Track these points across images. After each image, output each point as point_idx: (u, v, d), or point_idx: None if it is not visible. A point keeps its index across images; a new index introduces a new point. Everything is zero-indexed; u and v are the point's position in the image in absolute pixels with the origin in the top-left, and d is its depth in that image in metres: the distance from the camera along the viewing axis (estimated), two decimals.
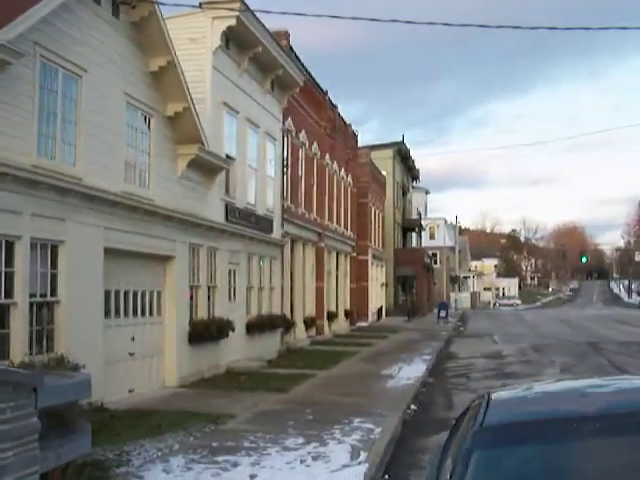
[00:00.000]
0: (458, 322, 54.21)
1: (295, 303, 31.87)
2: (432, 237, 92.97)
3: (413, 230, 74.32)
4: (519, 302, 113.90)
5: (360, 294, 47.53)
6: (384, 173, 56.04)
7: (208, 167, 20.58)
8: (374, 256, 51.36)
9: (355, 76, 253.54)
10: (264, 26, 23.54)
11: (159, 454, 10.84)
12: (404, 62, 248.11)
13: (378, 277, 54.35)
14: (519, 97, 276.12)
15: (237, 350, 22.88)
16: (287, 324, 28.80)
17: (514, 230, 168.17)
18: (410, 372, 22.15)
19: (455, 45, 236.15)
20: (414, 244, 76.64)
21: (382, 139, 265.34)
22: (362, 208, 47.97)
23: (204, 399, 16.64)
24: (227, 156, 22.25)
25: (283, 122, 28.84)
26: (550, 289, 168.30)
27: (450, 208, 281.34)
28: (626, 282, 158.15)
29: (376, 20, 16.40)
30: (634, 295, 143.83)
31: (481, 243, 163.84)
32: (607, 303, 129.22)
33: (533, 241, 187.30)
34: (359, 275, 47.17)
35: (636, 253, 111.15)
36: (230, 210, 22.62)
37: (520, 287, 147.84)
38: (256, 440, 11.76)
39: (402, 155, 66.03)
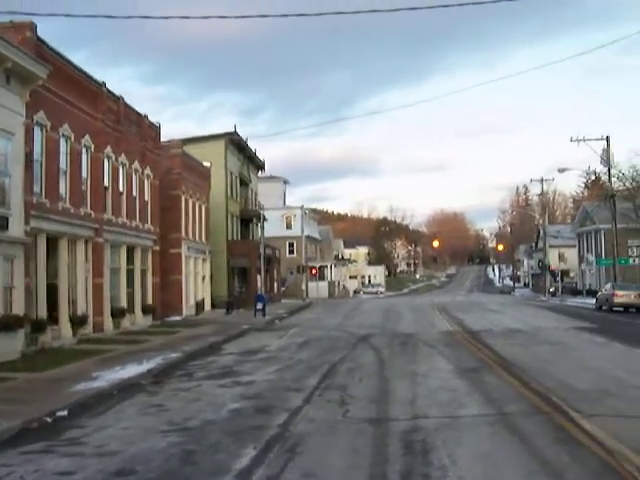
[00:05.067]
0: (285, 314, 53.95)
1: (60, 301, 31.00)
2: (289, 227, 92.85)
3: (258, 220, 73.81)
4: (383, 290, 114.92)
5: (172, 288, 46.85)
6: (206, 164, 55.26)
7: None
8: (190, 248, 50.62)
9: (251, 67, 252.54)
10: None
11: None
12: (298, 53, 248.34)
13: (199, 270, 53.67)
14: (414, 87, 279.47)
15: None
16: (35, 324, 27.88)
17: (385, 217, 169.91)
18: (127, 372, 21.50)
19: (349, 35, 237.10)
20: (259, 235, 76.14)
21: (278, 129, 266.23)
22: (172, 201, 47.24)
23: None
24: None
25: (31, 116, 27.82)
26: (418, 276, 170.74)
27: (344, 195, 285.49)
28: (502, 267, 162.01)
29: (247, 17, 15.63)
30: (506, 280, 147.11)
31: (358, 230, 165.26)
32: (475, 289, 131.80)
33: (411, 228, 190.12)
34: (169, 269, 46.46)
35: (490, 240, 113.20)
36: None
37: (392, 274, 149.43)
38: None
39: (236, 145, 65.45)
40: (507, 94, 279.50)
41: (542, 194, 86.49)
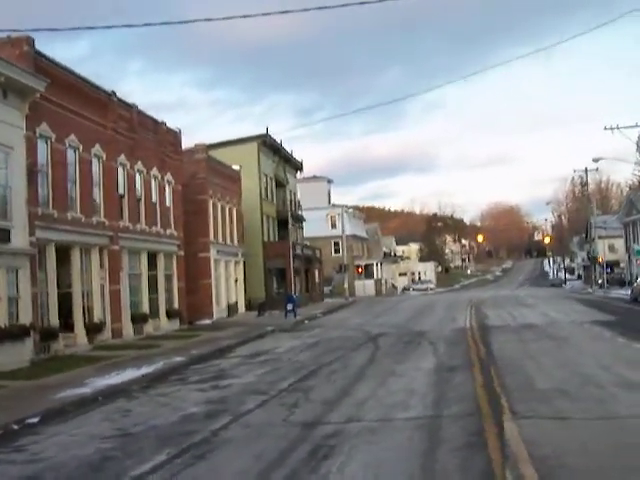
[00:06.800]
0: (319, 314, 54.13)
1: (74, 309, 31.57)
2: (334, 226, 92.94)
3: (295, 221, 74.14)
4: (432, 286, 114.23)
5: (201, 292, 47.35)
6: (236, 167, 55.62)
7: None
8: (219, 252, 51.03)
9: (305, 68, 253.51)
10: None
11: None
12: (351, 52, 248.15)
13: (230, 273, 54.07)
14: (471, 81, 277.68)
15: None
16: (45, 332, 28.46)
17: (435, 213, 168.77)
18: (121, 378, 21.86)
19: (403, 32, 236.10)
20: (298, 236, 76.51)
21: (334, 129, 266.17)
22: (199, 205, 47.70)
23: None
24: None
25: (33, 128, 28.39)
26: (469, 271, 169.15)
27: (401, 192, 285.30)
28: (558, 260, 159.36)
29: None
30: (563, 273, 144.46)
31: (411, 227, 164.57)
32: (527, 283, 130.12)
33: (468, 223, 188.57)
34: (198, 273, 46.92)
35: (535, 232, 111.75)
36: None
37: (445, 270, 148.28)
38: None
39: (269, 147, 65.72)
40: (565, 86, 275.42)
41: (586, 184, 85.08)
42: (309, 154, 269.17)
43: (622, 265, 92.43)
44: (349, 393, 16.72)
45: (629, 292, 56.86)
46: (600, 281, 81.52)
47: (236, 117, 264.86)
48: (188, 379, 22.08)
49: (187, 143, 49.11)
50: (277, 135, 65.44)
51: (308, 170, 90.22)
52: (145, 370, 23.85)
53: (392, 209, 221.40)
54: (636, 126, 55.50)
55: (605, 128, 55.56)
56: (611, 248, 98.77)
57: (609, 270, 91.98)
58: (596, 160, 64.44)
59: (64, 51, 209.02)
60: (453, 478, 9.23)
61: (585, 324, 32.82)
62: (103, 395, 19.25)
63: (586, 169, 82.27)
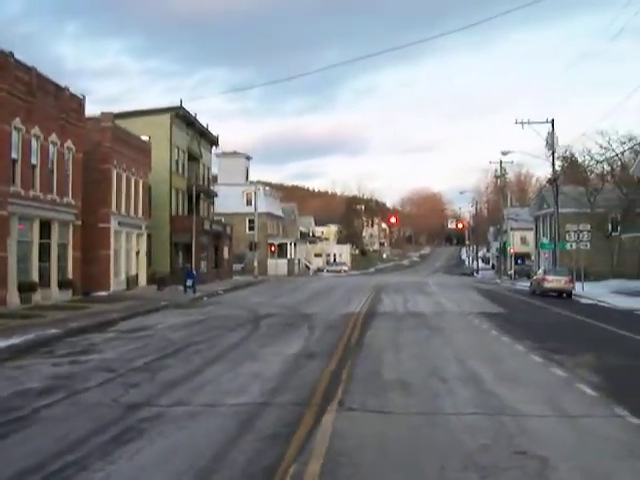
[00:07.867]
0: (221, 291, 53.95)
1: None
2: (249, 203, 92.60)
3: (207, 196, 73.61)
4: (346, 268, 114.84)
5: (99, 263, 46.63)
6: (145, 138, 54.79)
7: None
8: (121, 223, 50.28)
9: (241, 44, 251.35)
10: None
11: None
12: (288, 30, 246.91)
13: (132, 245, 53.38)
14: (406, 67, 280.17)
15: None
16: None
17: (354, 196, 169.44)
18: None
19: (341, 14, 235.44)
20: (209, 211, 76.04)
21: (264, 106, 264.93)
22: (102, 174, 46.86)
23: None
24: None
25: None
26: (384, 255, 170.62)
27: (330, 173, 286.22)
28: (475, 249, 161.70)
29: None
30: (479, 262, 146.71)
31: (332, 208, 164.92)
32: (441, 270, 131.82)
33: (391, 207, 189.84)
34: (97, 243, 46.19)
35: (449, 221, 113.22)
36: None
37: (363, 253, 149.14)
38: None
39: (183, 120, 64.95)
40: (500, 76, 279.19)
41: (501, 176, 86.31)
42: (240, 131, 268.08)
43: (533, 258, 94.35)
44: (197, 375, 16.55)
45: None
46: (510, 272, 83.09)
47: (167, 89, 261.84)
48: (54, 352, 21.60)
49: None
50: (207, 109, 64.40)
51: (236, 147, 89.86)
52: (13, 341, 23.25)
53: (316, 189, 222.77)
54: (546, 122, 56.36)
55: (516, 122, 56.37)
56: (523, 240, 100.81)
57: (520, 262, 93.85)
58: (505, 153, 65.56)
59: None
60: (234, 470, 9.07)
61: (470, 315, 33.26)
62: None
63: (501, 161, 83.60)
